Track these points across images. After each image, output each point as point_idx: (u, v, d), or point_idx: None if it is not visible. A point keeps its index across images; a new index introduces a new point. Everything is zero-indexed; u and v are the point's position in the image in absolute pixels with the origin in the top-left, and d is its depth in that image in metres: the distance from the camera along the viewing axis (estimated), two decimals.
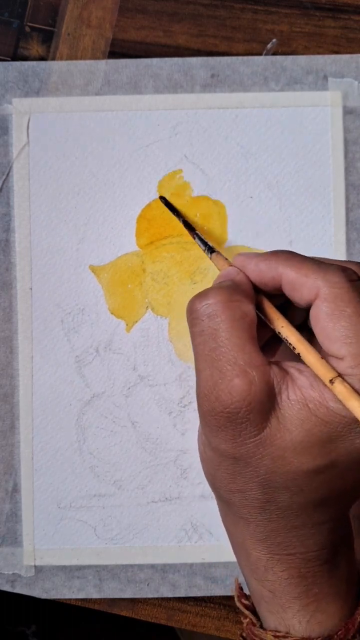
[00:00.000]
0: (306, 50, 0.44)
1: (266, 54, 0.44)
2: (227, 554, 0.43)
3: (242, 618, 0.33)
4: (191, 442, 0.43)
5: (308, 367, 0.29)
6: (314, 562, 0.31)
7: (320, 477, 0.29)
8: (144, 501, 0.43)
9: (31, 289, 0.44)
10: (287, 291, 0.30)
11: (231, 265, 0.33)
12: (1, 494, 0.44)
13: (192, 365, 0.43)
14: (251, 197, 0.44)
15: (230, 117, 0.44)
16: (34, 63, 0.44)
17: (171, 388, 0.43)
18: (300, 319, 0.33)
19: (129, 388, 0.44)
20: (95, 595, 0.44)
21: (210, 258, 0.37)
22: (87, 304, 0.44)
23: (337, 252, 0.43)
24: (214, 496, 0.44)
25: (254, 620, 0.32)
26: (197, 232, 0.41)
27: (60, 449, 0.43)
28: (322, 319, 0.29)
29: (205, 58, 0.44)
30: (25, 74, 0.44)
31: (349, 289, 0.28)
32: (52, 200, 0.44)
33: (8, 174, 0.44)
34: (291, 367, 0.30)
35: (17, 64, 0.44)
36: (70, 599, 0.44)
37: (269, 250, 0.44)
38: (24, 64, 0.44)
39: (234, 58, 0.44)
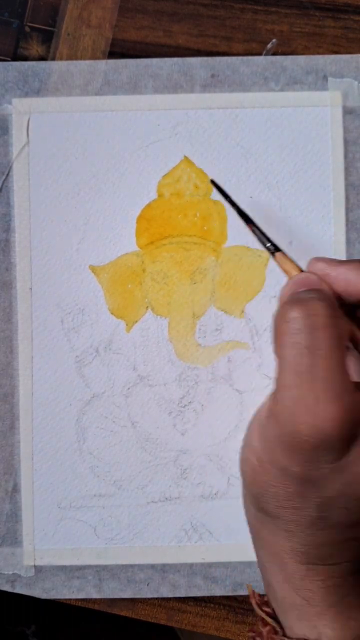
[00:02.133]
0: (306, 50, 0.44)
1: (266, 54, 0.44)
2: (227, 554, 0.43)
3: (260, 626, 0.32)
4: (191, 442, 0.43)
5: None
6: (351, 572, 0.30)
7: None
8: (144, 501, 0.43)
9: (31, 289, 0.44)
10: None
11: (302, 271, 0.31)
12: (1, 494, 0.44)
13: (192, 365, 0.43)
14: (251, 197, 0.44)
15: (230, 117, 0.44)
16: (34, 63, 0.44)
17: (171, 388, 0.43)
18: None
19: (129, 388, 0.44)
20: (95, 595, 0.44)
21: (274, 258, 0.34)
22: (87, 304, 0.44)
23: (337, 252, 0.43)
24: (214, 496, 0.43)
25: (277, 628, 0.32)
26: (258, 225, 0.37)
27: (60, 449, 0.43)
28: None
29: (205, 58, 0.44)
30: (25, 74, 0.44)
31: None
32: (52, 200, 0.44)
33: (8, 174, 0.44)
34: None
35: (17, 64, 0.44)
36: (70, 599, 0.44)
37: (264, 249, 0.44)
38: (23, 64, 0.44)
39: (233, 58, 0.44)
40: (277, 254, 0.34)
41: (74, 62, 0.44)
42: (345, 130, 0.43)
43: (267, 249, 0.35)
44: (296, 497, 0.29)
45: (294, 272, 0.32)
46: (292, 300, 0.28)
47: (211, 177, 0.41)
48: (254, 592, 0.34)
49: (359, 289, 0.29)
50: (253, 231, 0.36)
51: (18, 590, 0.44)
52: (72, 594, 0.44)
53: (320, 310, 0.27)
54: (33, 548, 0.43)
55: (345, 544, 0.30)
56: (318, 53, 0.44)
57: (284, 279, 0.43)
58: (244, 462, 0.31)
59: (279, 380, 0.28)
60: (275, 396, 0.28)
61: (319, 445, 0.27)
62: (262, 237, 0.36)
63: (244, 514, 0.33)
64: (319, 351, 0.27)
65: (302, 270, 0.32)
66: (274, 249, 0.34)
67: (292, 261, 0.33)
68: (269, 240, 0.35)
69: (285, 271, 0.33)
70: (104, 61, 0.44)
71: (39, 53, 0.45)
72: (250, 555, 0.43)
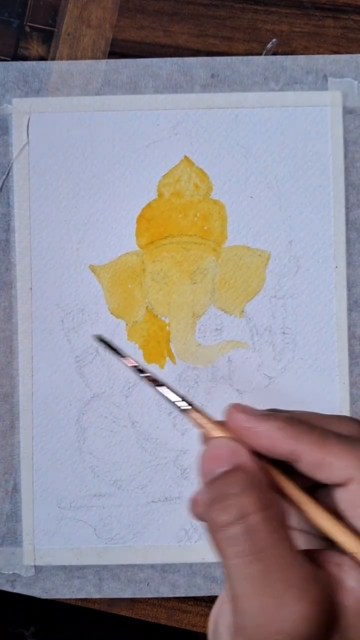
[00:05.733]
0: (306, 50, 0.44)
1: (266, 54, 0.44)
2: None
3: None
4: (191, 442, 0.43)
5: (344, 559, 0.25)
6: None
7: None
8: (144, 501, 0.43)
9: (31, 289, 0.44)
10: (308, 470, 0.26)
11: (219, 425, 0.27)
12: (1, 493, 0.44)
13: (192, 365, 0.43)
14: (251, 197, 0.44)
15: (230, 117, 0.44)
16: (34, 63, 0.44)
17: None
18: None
19: (129, 388, 0.44)
20: (95, 595, 0.44)
21: (187, 416, 0.28)
22: (87, 304, 0.44)
23: (337, 252, 0.43)
24: None
25: None
26: (168, 384, 0.30)
27: (60, 449, 0.43)
28: None
29: (205, 58, 0.44)
30: (26, 73, 0.44)
31: None
32: (52, 200, 0.44)
33: (8, 174, 0.44)
34: (329, 562, 0.26)
35: (17, 64, 0.44)
36: (70, 599, 0.44)
37: (267, 248, 0.44)
38: (24, 64, 0.44)
39: (234, 58, 0.44)
40: (192, 412, 0.28)
41: (74, 62, 0.44)
42: (345, 130, 0.43)
43: (178, 407, 0.29)
44: None
45: (212, 432, 0.28)
46: (216, 501, 0.25)
47: (98, 334, 0.34)
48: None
49: (284, 450, 0.26)
50: (162, 392, 0.30)
51: (18, 590, 0.44)
52: (72, 593, 0.44)
53: (251, 507, 0.25)
54: (33, 548, 0.43)
55: None
56: (318, 53, 0.44)
57: (283, 279, 0.44)
58: None
59: (234, 590, 0.25)
60: (235, 609, 0.25)
61: None
62: (174, 394, 0.30)
63: None
64: (266, 554, 0.24)
65: (218, 423, 0.27)
66: (187, 406, 0.29)
67: (208, 417, 0.28)
68: (181, 397, 0.30)
69: (196, 426, 0.28)
70: (104, 61, 0.44)
71: (39, 53, 0.45)
72: None
